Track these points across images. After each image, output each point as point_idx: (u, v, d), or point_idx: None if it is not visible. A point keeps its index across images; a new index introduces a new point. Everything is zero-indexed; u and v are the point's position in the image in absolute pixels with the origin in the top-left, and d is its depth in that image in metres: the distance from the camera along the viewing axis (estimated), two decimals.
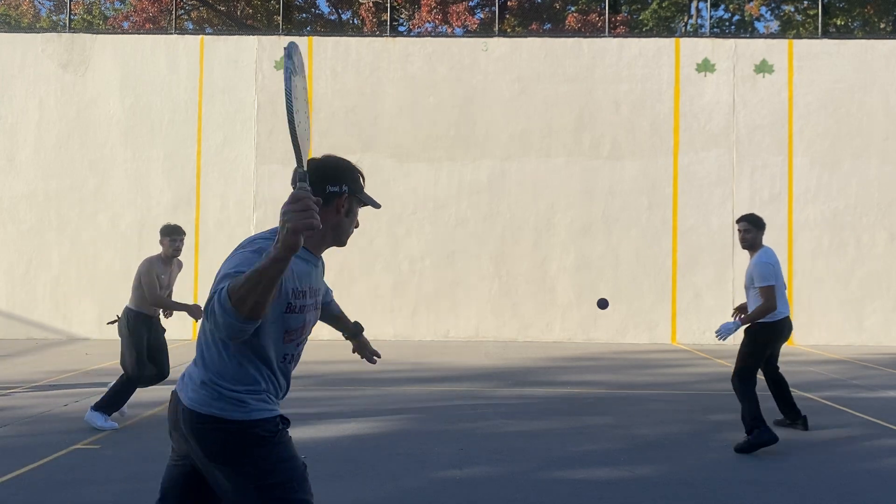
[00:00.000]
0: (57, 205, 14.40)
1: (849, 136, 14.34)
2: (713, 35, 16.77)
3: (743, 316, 6.54)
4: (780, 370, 6.85)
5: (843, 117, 14.35)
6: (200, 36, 15.10)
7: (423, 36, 18.79)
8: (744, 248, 6.45)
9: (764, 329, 6.39)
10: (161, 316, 6.92)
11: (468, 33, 20.53)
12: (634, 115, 14.47)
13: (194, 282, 14.23)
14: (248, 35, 15.65)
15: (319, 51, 14.65)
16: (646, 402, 8.04)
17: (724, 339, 6.23)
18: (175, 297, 7.29)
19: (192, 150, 14.49)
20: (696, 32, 23.34)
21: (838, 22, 22.93)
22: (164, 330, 7.05)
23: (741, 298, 14.15)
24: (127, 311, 6.79)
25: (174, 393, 2.56)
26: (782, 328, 6.50)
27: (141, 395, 8.26)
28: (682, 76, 14.49)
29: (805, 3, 24.30)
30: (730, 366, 10.99)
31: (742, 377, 6.26)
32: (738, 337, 6.52)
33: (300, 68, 2.21)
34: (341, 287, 13.88)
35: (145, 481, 5.04)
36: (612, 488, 4.96)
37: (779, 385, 6.82)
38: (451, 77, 14.60)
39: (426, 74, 14.61)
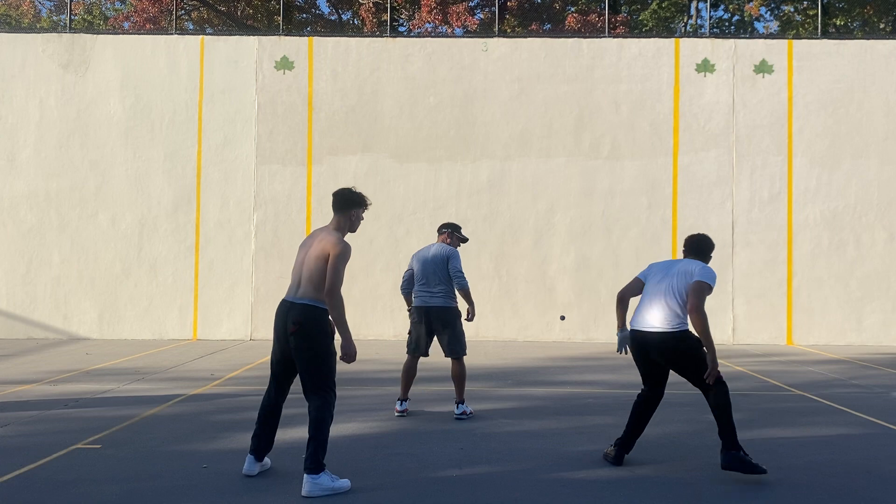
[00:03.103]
0: (57, 205, 14.41)
1: (848, 135, 14.35)
2: (713, 35, 16.78)
3: None
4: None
5: (842, 117, 14.36)
6: (201, 36, 15.11)
7: (423, 36, 18.79)
8: None
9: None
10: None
11: (468, 33, 20.54)
12: (634, 115, 14.48)
13: (195, 281, 14.24)
14: (249, 35, 15.65)
15: (319, 51, 14.65)
16: None
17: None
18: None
19: (193, 150, 14.50)
20: (695, 33, 23.37)
21: (838, 22, 22.94)
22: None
23: (741, 298, 14.21)
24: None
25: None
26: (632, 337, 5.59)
27: (141, 393, 8.27)
28: (681, 76, 14.50)
29: (805, 3, 24.31)
30: (730, 366, 11.01)
31: None
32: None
33: None
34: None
35: (145, 481, 5.05)
36: (612, 488, 4.97)
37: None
38: (451, 77, 14.61)
39: (426, 74, 14.62)
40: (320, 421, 4.84)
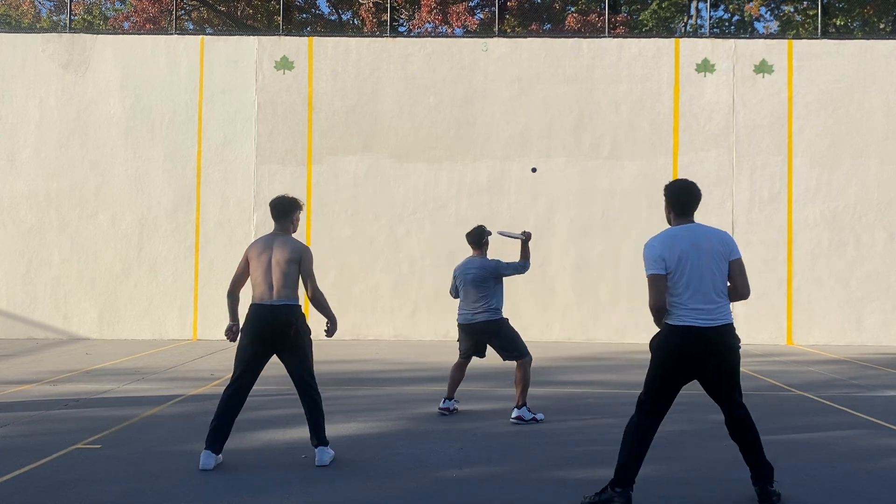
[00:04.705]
0: (57, 205, 14.41)
1: (848, 135, 14.34)
2: (713, 35, 16.78)
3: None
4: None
5: (842, 117, 14.36)
6: (201, 36, 15.10)
7: (423, 36, 18.79)
8: None
9: (656, 336, 4.65)
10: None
11: (468, 33, 20.53)
12: (634, 115, 14.47)
13: (194, 281, 14.23)
14: (249, 35, 15.66)
15: (319, 51, 14.65)
16: None
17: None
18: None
19: (193, 150, 14.49)
20: (695, 33, 23.36)
21: (838, 22, 22.94)
22: None
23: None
24: None
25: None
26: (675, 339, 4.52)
27: (141, 393, 8.27)
28: (681, 76, 14.50)
29: (805, 3, 24.31)
30: None
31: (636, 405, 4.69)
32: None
33: None
34: (341, 287, 13.87)
35: (145, 481, 5.05)
36: None
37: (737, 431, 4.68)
38: (451, 77, 14.60)
39: (426, 74, 14.61)
40: (321, 401, 5.50)
